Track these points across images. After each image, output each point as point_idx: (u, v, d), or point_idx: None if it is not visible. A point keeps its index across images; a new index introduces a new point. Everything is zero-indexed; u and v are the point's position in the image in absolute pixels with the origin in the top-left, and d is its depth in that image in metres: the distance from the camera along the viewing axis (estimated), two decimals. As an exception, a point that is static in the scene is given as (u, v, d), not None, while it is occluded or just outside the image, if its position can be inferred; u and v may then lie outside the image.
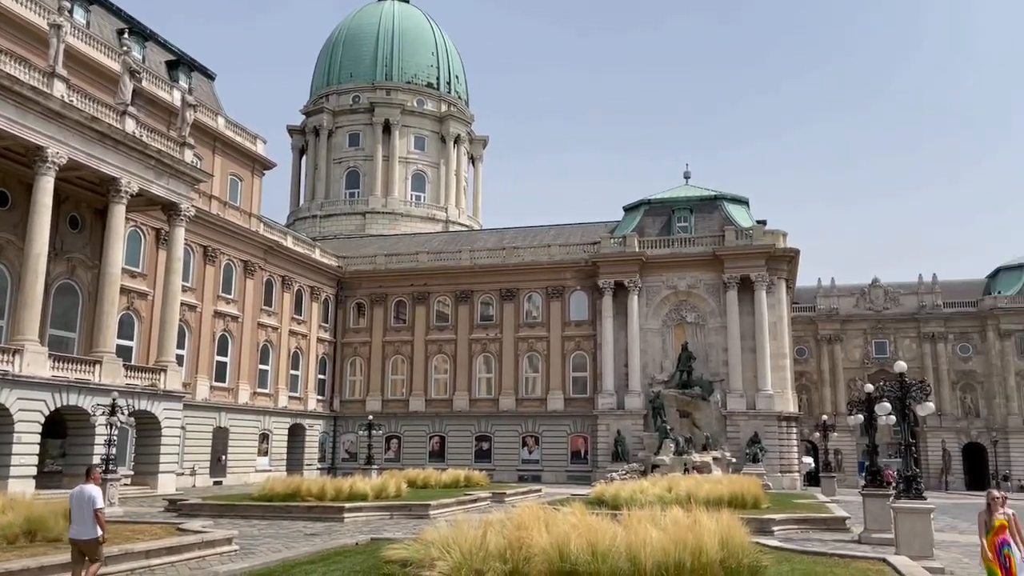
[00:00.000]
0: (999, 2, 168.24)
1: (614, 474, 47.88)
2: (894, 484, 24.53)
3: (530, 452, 61.26)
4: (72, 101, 34.36)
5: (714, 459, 50.42)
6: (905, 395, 20.27)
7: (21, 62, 32.46)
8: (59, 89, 33.70)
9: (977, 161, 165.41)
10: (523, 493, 41.33)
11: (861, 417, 26.05)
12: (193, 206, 43.08)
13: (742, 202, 62.76)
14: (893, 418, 22.22)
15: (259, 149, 56.06)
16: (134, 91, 39.51)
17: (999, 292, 73.77)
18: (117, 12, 48.16)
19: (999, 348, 72.05)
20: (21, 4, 37.28)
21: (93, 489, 13.06)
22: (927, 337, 74.52)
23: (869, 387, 26.03)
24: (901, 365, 21.10)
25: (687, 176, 65.53)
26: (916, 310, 75.20)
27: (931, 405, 20.58)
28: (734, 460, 52.15)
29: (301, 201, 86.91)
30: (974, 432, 72.31)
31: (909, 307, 75.67)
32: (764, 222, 60.52)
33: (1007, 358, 71.60)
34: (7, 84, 31.17)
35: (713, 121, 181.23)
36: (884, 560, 16.25)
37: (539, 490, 44.88)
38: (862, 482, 27.26)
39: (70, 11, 40.18)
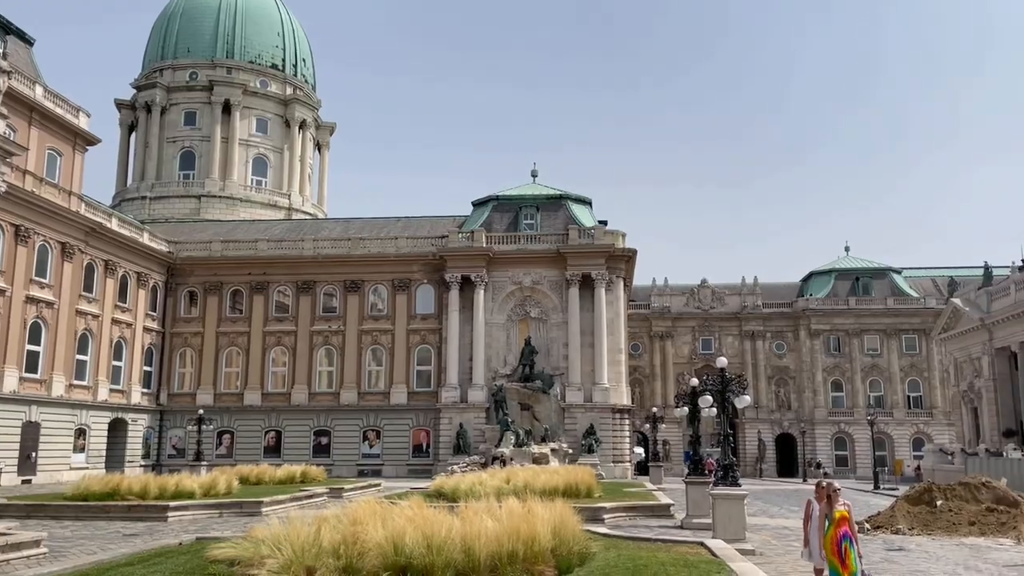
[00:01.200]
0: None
1: (455, 467, 48.24)
2: (714, 472, 26.22)
3: (371, 446, 60.58)
4: None
5: (552, 450, 51.93)
6: (725, 389, 21.74)
7: None
8: None
9: (800, 164, 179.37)
10: (362, 488, 40.78)
11: (687, 409, 27.67)
12: (4, 181, 39.34)
13: (585, 202, 64.99)
14: (715, 410, 23.75)
15: (82, 123, 51.95)
16: (-66, 50, 35.55)
17: (810, 295, 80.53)
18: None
19: (809, 346, 78.71)
20: None
21: None
22: (748, 335, 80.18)
23: (694, 381, 27.70)
24: (722, 361, 22.61)
25: (534, 174, 67.00)
26: (739, 310, 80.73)
27: (748, 398, 22.14)
28: (571, 451, 53.94)
29: (129, 181, 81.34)
30: (786, 423, 78.53)
31: (733, 307, 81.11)
32: (605, 222, 62.94)
33: (816, 355, 78.33)
34: None
35: (561, 120, 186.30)
36: (702, 543, 17.42)
37: (379, 484, 44.43)
38: (687, 471, 28.88)
39: None
